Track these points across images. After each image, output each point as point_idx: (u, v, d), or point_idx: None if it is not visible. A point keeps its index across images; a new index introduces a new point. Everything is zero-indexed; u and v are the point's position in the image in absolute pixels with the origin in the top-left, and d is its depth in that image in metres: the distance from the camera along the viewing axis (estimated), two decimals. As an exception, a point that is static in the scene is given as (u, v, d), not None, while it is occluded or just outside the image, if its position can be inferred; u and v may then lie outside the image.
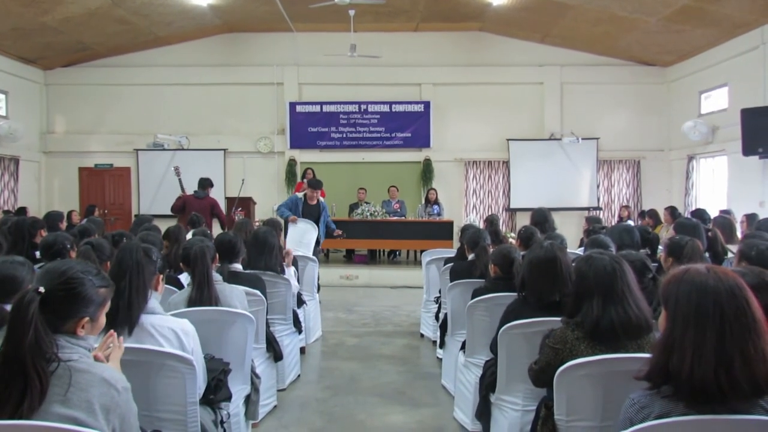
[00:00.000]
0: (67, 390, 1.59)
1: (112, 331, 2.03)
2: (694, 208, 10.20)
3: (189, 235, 5.34)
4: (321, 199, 8.34)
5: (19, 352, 1.56)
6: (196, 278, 3.23)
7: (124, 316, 2.30)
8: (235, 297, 3.35)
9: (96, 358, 1.81)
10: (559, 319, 2.45)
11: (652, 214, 9.45)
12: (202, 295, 3.20)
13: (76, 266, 1.79)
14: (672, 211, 8.07)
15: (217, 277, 3.37)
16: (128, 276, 2.34)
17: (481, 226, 6.89)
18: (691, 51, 10.85)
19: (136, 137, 12.21)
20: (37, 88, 12.16)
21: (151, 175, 12.29)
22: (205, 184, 8.72)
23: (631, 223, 8.81)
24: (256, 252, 4.49)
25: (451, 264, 5.04)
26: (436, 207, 10.75)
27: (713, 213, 7.26)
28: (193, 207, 8.18)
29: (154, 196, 12.17)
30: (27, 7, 9.05)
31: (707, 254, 4.60)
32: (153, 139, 11.86)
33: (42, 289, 1.64)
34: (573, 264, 2.62)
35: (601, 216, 11.13)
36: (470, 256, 4.79)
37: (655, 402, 1.56)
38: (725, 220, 5.96)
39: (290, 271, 4.96)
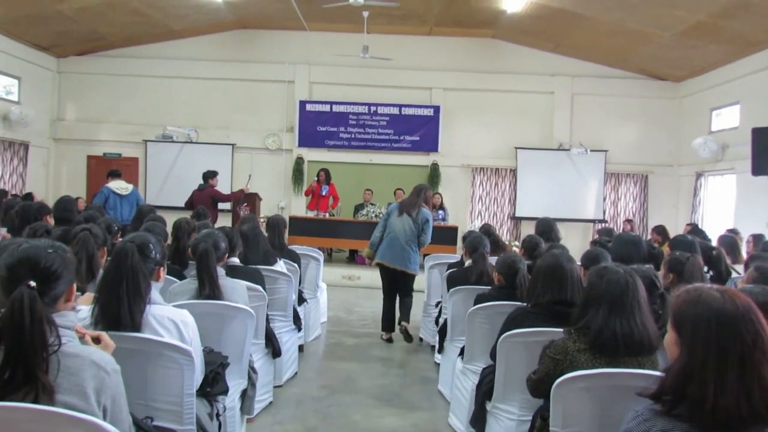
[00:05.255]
0: (56, 376, 1.56)
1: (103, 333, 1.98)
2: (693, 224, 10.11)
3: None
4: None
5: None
6: (201, 278, 3.24)
7: (127, 322, 2.25)
8: (237, 292, 3.36)
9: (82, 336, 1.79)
10: (560, 330, 2.44)
11: (660, 230, 9.35)
12: (205, 291, 3.22)
13: (40, 244, 1.71)
14: (661, 230, 7.86)
15: (221, 272, 3.37)
16: (125, 282, 2.25)
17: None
18: (703, 67, 10.82)
19: (145, 128, 12.23)
20: (50, 75, 12.22)
21: (159, 166, 12.32)
22: (206, 176, 8.88)
23: (635, 236, 8.70)
24: (245, 248, 4.50)
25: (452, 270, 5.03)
26: (440, 212, 10.67)
27: (721, 231, 7.19)
28: (197, 200, 8.43)
29: (161, 187, 12.19)
30: (44, -5, 9.10)
31: (710, 273, 4.56)
32: (162, 130, 11.86)
33: (33, 284, 1.57)
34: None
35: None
36: (467, 262, 4.78)
37: (659, 418, 1.54)
38: (731, 240, 5.91)
39: (281, 263, 4.94)
